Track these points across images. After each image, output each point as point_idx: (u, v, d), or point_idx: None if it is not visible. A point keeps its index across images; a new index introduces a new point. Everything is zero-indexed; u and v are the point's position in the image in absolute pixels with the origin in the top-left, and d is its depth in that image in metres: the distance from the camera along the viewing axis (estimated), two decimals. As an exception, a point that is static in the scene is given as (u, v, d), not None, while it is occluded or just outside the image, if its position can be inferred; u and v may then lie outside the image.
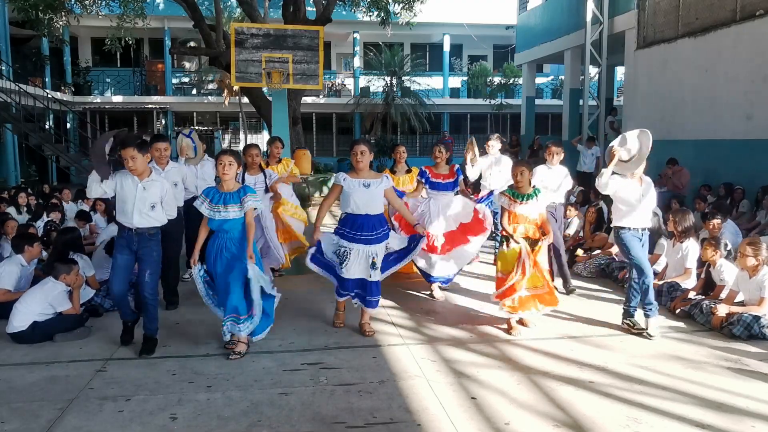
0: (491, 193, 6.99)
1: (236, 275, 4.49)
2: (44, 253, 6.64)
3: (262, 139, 24.62)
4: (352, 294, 5.01)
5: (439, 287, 6.26)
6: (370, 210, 4.90)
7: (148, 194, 4.52)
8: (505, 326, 5.17)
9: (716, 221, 6.48)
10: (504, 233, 5.18)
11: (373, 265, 4.87)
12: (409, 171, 7.01)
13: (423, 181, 6.17)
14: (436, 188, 6.15)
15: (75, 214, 8.58)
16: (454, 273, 6.26)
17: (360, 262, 4.89)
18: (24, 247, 5.65)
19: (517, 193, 5.12)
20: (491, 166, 7.37)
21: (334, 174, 14.20)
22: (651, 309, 5.01)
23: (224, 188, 4.57)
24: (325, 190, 15.98)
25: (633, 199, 5.02)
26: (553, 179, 6.29)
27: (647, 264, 5.05)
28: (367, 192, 4.88)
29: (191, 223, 6.55)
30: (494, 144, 7.46)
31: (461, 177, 6.30)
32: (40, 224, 8.07)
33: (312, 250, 5.12)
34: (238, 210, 4.51)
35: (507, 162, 7.26)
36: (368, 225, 4.89)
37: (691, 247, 6.02)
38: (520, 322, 5.22)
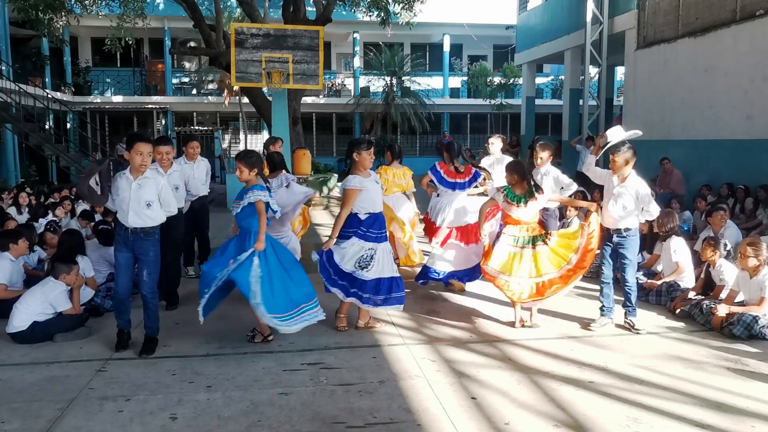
0: None
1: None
2: (44, 253, 6.65)
3: (262, 139, 24.63)
4: (380, 300, 4.85)
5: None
6: (380, 207, 4.98)
7: (143, 192, 4.47)
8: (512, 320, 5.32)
9: (722, 212, 6.53)
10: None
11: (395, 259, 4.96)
12: (401, 164, 7.19)
13: (434, 179, 6.21)
14: (450, 188, 6.19)
15: (78, 213, 8.59)
16: (447, 272, 6.14)
17: (387, 259, 4.89)
18: (8, 245, 5.65)
19: (512, 193, 5.13)
20: (492, 166, 7.35)
21: (337, 178, 14.09)
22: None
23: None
24: (325, 190, 16.00)
25: (606, 191, 5.17)
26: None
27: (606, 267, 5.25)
28: (379, 188, 4.98)
29: (198, 220, 6.48)
30: (495, 142, 7.41)
31: (480, 177, 6.28)
32: (39, 225, 8.08)
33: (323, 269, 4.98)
34: (236, 207, 4.61)
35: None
36: (383, 222, 4.97)
37: (674, 242, 6.09)
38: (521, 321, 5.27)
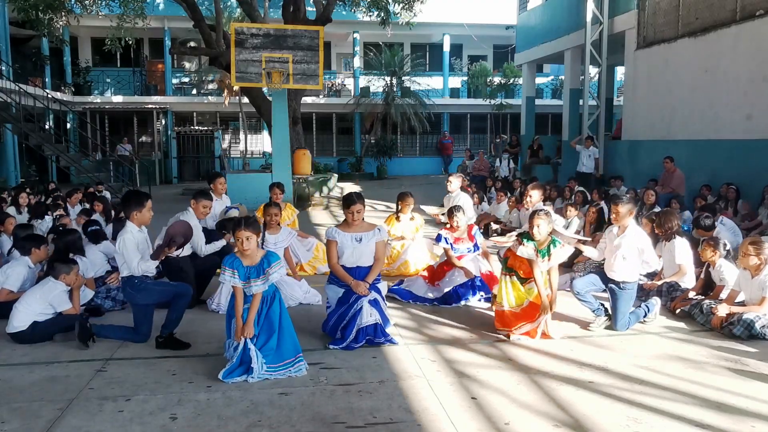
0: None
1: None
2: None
3: (262, 139, 24.63)
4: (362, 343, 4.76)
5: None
6: (361, 262, 4.92)
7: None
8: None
9: (700, 230, 6.48)
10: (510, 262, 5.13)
11: (373, 303, 4.82)
12: (412, 219, 7.47)
13: (448, 246, 6.21)
14: (458, 252, 6.29)
15: (78, 213, 8.59)
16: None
17: (364, 308, 4.78)
18: (31, 249, 5.65)
19: (538, 249, 4.93)
20: (451, 202, 7.55)
21: (337, 178, 14.26)
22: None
23: (247, 261, 4.19)
24: (325, 190, 16.00)
25: (609, 245, 5.21)
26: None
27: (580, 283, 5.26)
28: (359, 246, 4.91)
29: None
30: (453, 180, 7.78)
31: (481, 239, 6.43)
32: (40, 223, 8.08)
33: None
34: (262, 284, 4.15)
35: (465, 200, 7.53)
36: (359, 276, 4.89)
37: (678, 244, 6.02)
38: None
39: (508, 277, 5.08)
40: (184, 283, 5.08)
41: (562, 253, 5.01)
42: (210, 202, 6.07)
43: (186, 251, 5.66)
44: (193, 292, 5.48)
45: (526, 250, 4.90)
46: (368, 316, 4.72)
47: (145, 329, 4.83)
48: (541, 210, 5.08)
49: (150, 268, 4.77)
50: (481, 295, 5.99)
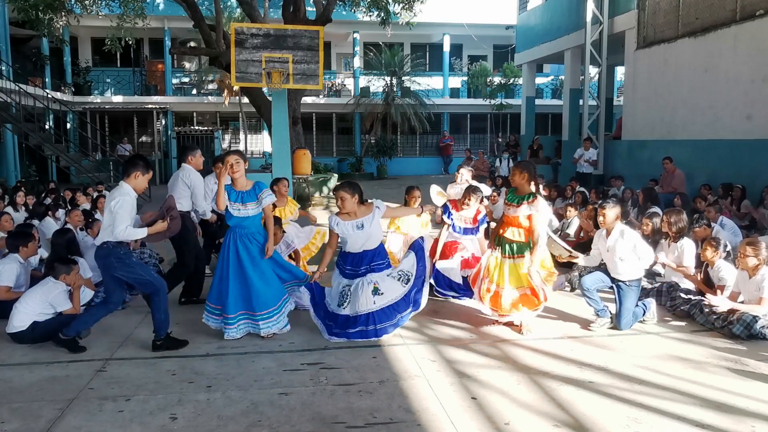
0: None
1: (258, 271, 4.81)
2: (46, 254, 6.66)
3: (262, 139, 24.62)
4: (353, 333, 4.85)
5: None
6: (367, 246, 4.97)
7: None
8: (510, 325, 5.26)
9: (698, 229, 6.48)
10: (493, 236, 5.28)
11: (375, 291, 4.86)
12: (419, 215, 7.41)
13: (449, 221, 6.21)
14: (458, 232, 6.26)
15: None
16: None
17: (364, 293, 4.85)
18: (18, 247, 5.66)
19: (513, 195, 5.15)
20: (459, 194, 7.52)
21: (337, 178, 14.07)
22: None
23: (238, 186, 4.93)
24: (325, 190, 15.98)
25: (602, 250, 5.26)
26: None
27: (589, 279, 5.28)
28: (362, 232, 4.92)
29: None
30: (464, 173, 7.75)
31: (485, 224, 6.42)
32: (39, 224, 8.07)
33: (307, 298, 5.06)
34: (256, 207, 4.88)
35: None
36: (366, 259, 4.96)
37: (686, 245, 6.00)
38: (510, 325, 5.25)
39: (493, 252, 5.21)
40: (159, 277, 4.88)
41: (543, 213, 5.02)
42: (200, 153, 6.03)
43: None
44: (197, 264, 5.83)
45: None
46: (369, 304, 4.83)
47: (116, 298, 4.73)
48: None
49: (135, 235, 4.58)
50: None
